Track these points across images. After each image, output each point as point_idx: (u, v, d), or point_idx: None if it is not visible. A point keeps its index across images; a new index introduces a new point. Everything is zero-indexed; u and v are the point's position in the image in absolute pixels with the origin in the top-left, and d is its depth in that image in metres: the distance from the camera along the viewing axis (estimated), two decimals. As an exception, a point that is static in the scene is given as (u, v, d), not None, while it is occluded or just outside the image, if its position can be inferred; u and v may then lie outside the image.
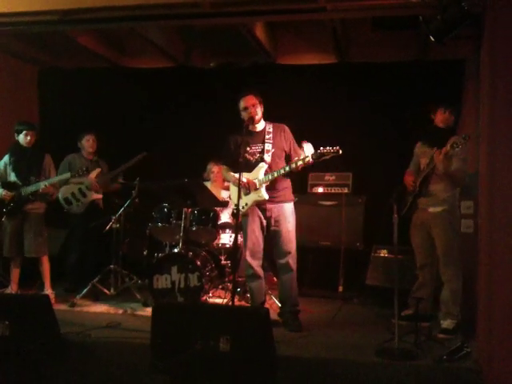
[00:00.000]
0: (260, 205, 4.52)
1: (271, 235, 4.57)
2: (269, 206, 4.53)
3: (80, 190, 5.72)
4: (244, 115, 4.54)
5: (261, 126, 4.61)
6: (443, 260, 4.42)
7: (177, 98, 6.64)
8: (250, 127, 4.57)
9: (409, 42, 5.95)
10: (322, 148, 4.32)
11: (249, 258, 4.59)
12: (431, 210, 4.49)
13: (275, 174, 4.46)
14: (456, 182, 4.43)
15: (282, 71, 6.38)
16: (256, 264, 4.58)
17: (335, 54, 6.25)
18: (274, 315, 4.60)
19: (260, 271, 4.61)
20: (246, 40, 5.81)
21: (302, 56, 6.43)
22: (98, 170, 5.74)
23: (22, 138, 5.29)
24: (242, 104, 4.54)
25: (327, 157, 4.29)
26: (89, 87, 6.79)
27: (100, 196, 5.82)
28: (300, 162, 4.35)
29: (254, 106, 4.51)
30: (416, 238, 4.67)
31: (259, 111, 4.55)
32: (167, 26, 5.93)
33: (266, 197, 4.46)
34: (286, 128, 4.64)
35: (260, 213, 4.55)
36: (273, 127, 4.60)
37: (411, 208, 4.60)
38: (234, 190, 4.63)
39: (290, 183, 4.66)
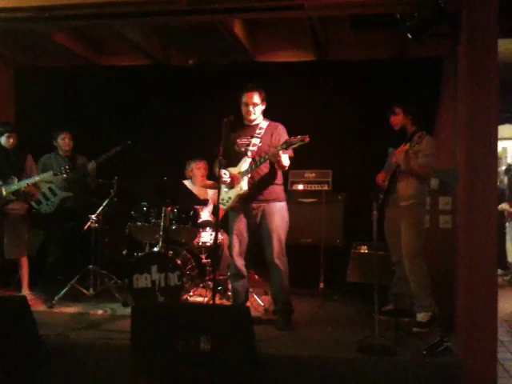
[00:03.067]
0: (247, 202, 4.49)
1: (259, 234, 4.53)
2: (255, 204, 4.48)
3: (50, 189, 5.63)
4: (242, 109, 4.51)
5: (257, 121, 4.56)
6: (404, 252, 4.48)
7: (155, 96, 6.57)
8: (245, 121, 4.56)
9: (387, 41, 5.99)
10: (287, 138, 4.32)
11: (234, 257, 4.56)
12: (400, 205, 4.54)
13: (253, 167, 4.43)
14: (420, 177, 4.50)
15: (261, 69, 6.37)
16: (240, 263, 4.56)
17: (314, 51, 6.26)
18: (255, 313, 4.61)
19: (243, 270, 4.59)
20: (225, 38, 5.79)
21: (280, 54, 6.44)
22: (93, 164, 5.61)
23: (4, 140, 5.25)
24: (243, 98, 4.49)
25: (295, 146, 4.25)
26: (66, 86, 6.69)
27: (71, 194, 5.68)
28: (266, 156, 4.34)
29: (254, 105, 4.48)
30: (388, 234, 4.73)
31: (257, 111, 4.50)
32: (144, 24, 5.88)
33: (245, 188, 4.41)
34: (280, 128, 4.54)
35: (248, 211, 4.51)
36: (267, 125, 4.54)
37: (383, 205, 4.64)
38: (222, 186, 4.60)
39: (280, 183, 4.58)
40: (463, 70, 3.76)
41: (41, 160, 5.74)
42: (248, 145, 4.52)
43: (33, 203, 5.59)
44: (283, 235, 4.49)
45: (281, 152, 4.28)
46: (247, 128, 4.59)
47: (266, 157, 4.38)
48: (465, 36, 3.70)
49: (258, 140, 4.51)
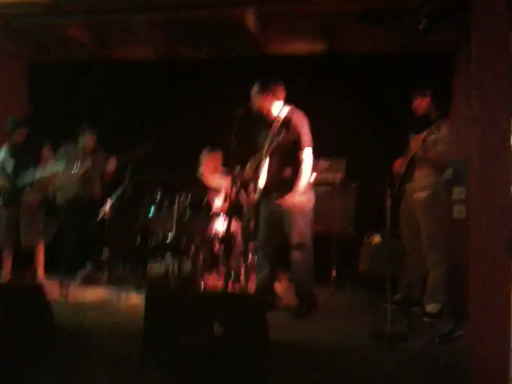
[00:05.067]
0: (270, 194, 4.49)
1: (281, 225, 4.52)
2: (277, 196, 4.47)
3: (65, 182, 5.69)
4: None
5: (274, 113, 4.54)
6: (426, 246, 4.45)
7: (165, 90, 6.59)
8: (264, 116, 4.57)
9: (398, 33, 5.90)
10: None
11: (258, 247, 4.70)
12: (415, 196, 4.52)
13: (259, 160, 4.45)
14: (437, 166, 4.45)
15: (272, 62, 6.33)
16: (263, 253, 4.63)
17: (324, 44, 6.21)
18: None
19: (266, 260, 4.62)
20: (235, 30, 5.77)
21: (291, 46, 6.39)
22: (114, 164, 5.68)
23: (13, 136, 5.29)
24: None
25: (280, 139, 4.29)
26: (79, 81, 6.74)
27: (84, 189, 5.73)
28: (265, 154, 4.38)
29: (254, 96, 4.49)
30: (403, 224, 4.71)
31: (258, 102, 4.48)
32: (153, 18, 5.87)
33: (260, 187, 4.44)
34: (298, 117, 4.48)
35: (273, 203, 4.51)
36: (285, 116, 4.50)
37: (399, 193, 4.62)
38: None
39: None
40: (476, 61, 3.73)
41: (60, 150, 5.81)
42: (264, 142, 4.52)
43: (49, 194, 5.66)
44: (304, 226, 4.46)
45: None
46: (266, 123, 4.57)
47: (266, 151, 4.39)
48: (477, 27, 3.67)
49: (273, 136, 4.46)
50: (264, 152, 4.45)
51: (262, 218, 4.64)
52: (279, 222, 4.51)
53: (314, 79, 6.21)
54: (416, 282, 4.60)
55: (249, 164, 4.78)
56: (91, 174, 5.68)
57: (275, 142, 4.41)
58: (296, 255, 4.45)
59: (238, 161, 4.63)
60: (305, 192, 4.46)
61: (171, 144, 6.49)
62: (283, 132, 4.40)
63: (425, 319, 4.26)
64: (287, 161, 4.45)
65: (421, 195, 4.47)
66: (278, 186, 4.44)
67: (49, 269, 5.60)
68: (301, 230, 4.43)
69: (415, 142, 4.35)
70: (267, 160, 4.47)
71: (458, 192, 5.48)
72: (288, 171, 4.47)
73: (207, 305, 3.56)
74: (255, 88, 4.50)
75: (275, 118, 4.53)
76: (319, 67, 6.23)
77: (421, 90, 4.57)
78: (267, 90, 4.48)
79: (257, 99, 4.48)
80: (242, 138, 4.49)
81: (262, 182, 4.47)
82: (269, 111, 4.54)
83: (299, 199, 4.40)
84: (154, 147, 5.60)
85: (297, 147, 4.42)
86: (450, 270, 4.53)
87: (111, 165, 5.64)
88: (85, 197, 5.76)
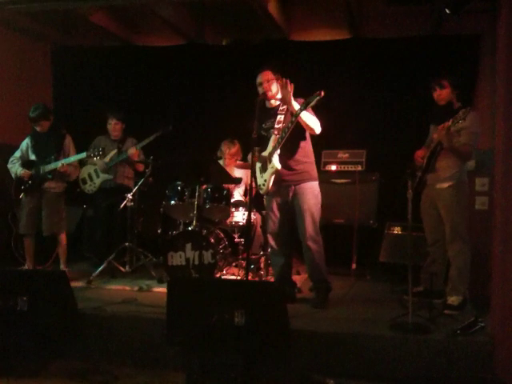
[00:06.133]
0: (279, 183, 4.47)
1: (292, 214, 4.52)
2: (287, 184, 4.47)
3: (95, 171, 5.79)
4: (259, 90, 4.49)
5: (278, 100, 4.53)
6: (449, 236, 4.41)
7: (189, 76, 6.62)
8: (266, 103, 4.55)
9: (424, 17, 5.86)
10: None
11: (269, 238, 4.65)
12: (438, 186, 4.47)
13: (279, 140, 4.36)
14: (462, 156, 4.39)
15: (295, 47, 6.33)
16: (275, 242, 4.61)
17: (349, 29, 6.19)
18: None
19: (281, 249, 4.60)
20: (259, 16, 5.76)
21: (315, 32, 6.37)
22: (134, 150, 5.67)
23: (36, 126, 5.36)
24: (257, 79, 4.49)
25: (312, 103, 4.14)
26: (102, 66, 6.80)
27: (110, 177, 5.79)
28: (290, 124, 4.28)
29: (268, 81, 4.45)
30: (425, 215, 4.66)
31: (274, 87, 4.47)
32: (179, 2, 5.90)
33: (277, 165, 4.35)
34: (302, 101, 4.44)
35: (280, 191, 4.51)
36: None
37: (420, 184, 4.58)
38: (257, 168, 4.61)
39: (311, 161, 4.56)
40: (502, 47, 3.67)
41: (94, 141, 5.89)
42: (273, 126, 4.49)
43: (80, 183, 5.79)
44: (316, 214, 4.47)
45: (298, 111, 4.21)
46: (270, 110, 4.56)
47: (289, 124, 4.29)
48: (504, 11, 3.61)
49: (282, 117, 4.44)
50: (280, 137, 4.39)
51: (273, 207, 4.60)
52: (290, 211, 4.51)
53: (335, 66, 6.17)
54: (439, 272, 4.56)
55: (260, 151, 4.65)
56: (117, 161, 5.73)
57: (292, 125, 4.33)
58: (311, 245, 4.45)
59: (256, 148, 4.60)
60: (314, 180, 4.49)
61: (194, 130, 6.53)
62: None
63: (446, 311, 4.23)
64: (299, 144, 4.46)
65: (444, 185, 4.43)
66: (288, 173, 4.45)
67: (71, 257, 5.67)
68: (314, 219, 4.44)
69: (439, 132, 4.29)
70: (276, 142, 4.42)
71: (481, 183, 5.42)
72: (298, 157, 4.47)
73: (229, 291, 3.57)
74: (262, 73, 4.48)
75: (281, 104, 4.50)
76: (343, 53, 6.20)
77: (441, 79, 4.50)
78: (274, 73, 4.48)
79: (265, 82, 4.45)
80: (259, 132, 4.51)
81: (275, 166, 4.42)
82: (276, 98, 4.52)
83: (310, 188, 4.43)
84: (170, 131, 5.63)
85: (304, 130, 4.43)
86: (471, 261, 4.49)
87: (131, 152, 5.67)
88: (111, 184, 5.82)
